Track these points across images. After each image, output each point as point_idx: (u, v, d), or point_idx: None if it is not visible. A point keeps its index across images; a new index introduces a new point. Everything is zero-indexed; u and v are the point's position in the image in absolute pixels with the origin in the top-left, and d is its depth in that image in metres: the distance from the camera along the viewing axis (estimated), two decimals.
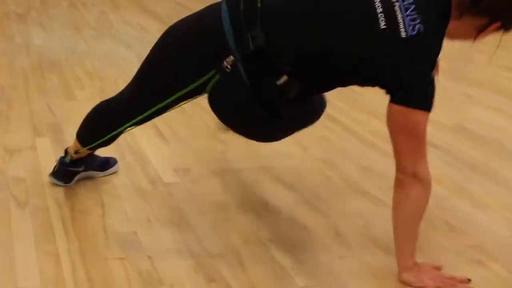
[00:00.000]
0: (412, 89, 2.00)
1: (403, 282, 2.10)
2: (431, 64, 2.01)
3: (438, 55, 2.02)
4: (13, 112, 3.41)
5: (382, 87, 2.05)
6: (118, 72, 4.36)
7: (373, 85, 2.10)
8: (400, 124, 2.01)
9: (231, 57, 2.04)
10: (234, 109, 2.14)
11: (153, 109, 2.24)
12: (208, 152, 3.03)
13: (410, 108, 1.98)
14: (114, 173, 2.76)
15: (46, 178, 2.62)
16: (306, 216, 2.50)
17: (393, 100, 2.00)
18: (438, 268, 2.17)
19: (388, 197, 2.44)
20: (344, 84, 2.16)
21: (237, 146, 3.02)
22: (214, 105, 2.14)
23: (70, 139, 2.77)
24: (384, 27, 1.93)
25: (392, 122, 2.02)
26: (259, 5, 2.06)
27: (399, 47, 1.95)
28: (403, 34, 1.92)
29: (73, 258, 2.12)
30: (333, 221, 2.47)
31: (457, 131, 3.48)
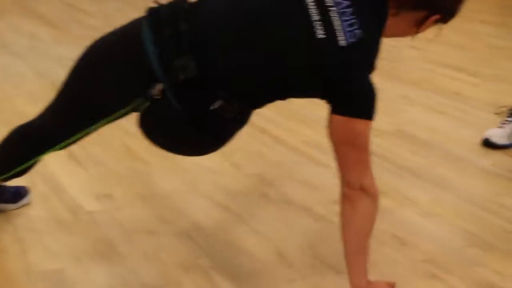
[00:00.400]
0: (352, 98, 2.13)
1: None
2: (371, 68, 2.14)
3: (377, 57, 2.15)
4: None
5: (322, 97, 2.16)
6: (15, 89, 4.38)
7: (313, 96, 2.22)
8: (342, 135, 2.14)
9: (159, 85, 2.12)
10: (165, 132, 2.25)
11: (78, 135, 2.31)
12: (130, 174, 3.10)
13: (352, 118, 2.10)
14: (27, 204, 2.77)
15: None
16: (246, 238, 2.62)
17: (333, 111, 2.12)
18: (392, 285, 2.31)
19: (330, 212, 2.61)
20: (284, 97, 2.28)
21: (161, 165, 3.11)
22: (144, 128, 2.23)
23: None
24: (322, 36, 2.05)
25: (333, 134, 2.14)
26: (182, 29, 2.13)
27: (338, 57, 2.08)
28: (342, 43, 2.04)
29: None
30: (275, 242, 2.59)
31: (396, 136, 3.67)
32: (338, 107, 2.13)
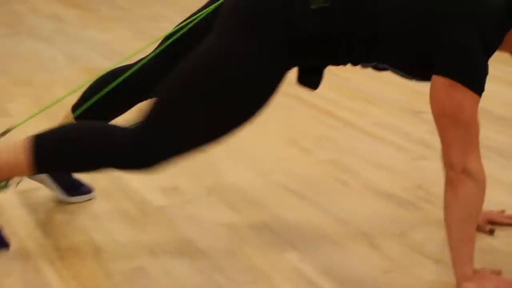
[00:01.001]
0: (454, 55, 2.25)
1: None
2: (481, 38, 2.25)
3: (494, 40, 2.29)
4: None
5: (421, 57, 2.32)
6: (49, 75, 4.53)
7: (408, 54, 2.37)
8: (441, 102, 2.25)
9: None
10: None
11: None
12: (195, 165, 3.16)
13: (453, 82, 2.21)
14: (90, 200, 2.86)
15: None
16: (331, 228, 2.72)
17: (434, 71, 2.25)
18: (498, 273, 2.37)
19: (417, 197, 2.72)
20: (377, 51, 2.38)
21: (227, 155, 3.27)
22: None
23: None
24: None
25: (434, 101, 2.27)
26: None
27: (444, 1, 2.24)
28: None
29: None
30: (364, 231, 2.67)
31: None
32: (438, 65, 2.26)
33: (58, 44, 5.31)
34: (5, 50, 5.15)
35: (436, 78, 2.24)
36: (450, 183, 2.30)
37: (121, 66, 2.73)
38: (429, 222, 2.67)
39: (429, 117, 2.79)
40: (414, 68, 2.40)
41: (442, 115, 2.27)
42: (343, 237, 2.65)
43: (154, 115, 2.35)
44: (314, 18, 2.27)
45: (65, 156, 2.43)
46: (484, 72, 2.23)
